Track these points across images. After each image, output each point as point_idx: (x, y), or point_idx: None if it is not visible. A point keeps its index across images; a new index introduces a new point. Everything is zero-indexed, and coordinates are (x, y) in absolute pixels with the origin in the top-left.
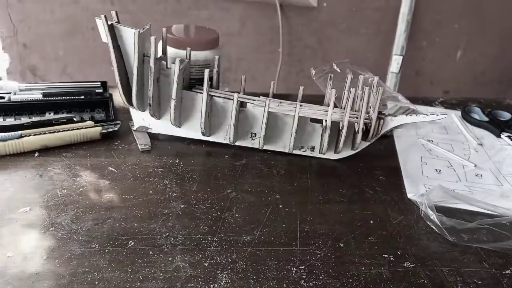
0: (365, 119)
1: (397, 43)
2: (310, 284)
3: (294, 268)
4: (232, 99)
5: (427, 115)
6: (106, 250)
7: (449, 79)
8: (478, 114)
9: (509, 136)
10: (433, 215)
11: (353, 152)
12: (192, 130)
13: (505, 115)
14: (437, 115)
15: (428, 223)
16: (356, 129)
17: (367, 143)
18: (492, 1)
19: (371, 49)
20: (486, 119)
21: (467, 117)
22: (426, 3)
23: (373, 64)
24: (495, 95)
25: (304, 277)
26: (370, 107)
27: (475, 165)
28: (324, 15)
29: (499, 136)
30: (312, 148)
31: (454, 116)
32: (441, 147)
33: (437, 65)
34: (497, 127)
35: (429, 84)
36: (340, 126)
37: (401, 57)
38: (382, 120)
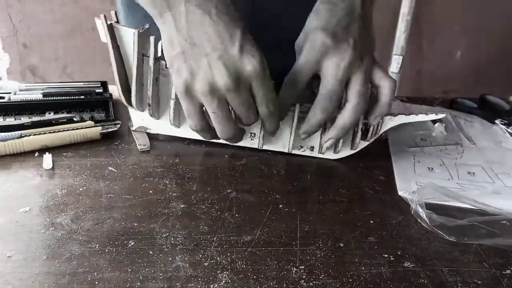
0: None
1: (397, 43)
2: (310, 284)
3: (294, 268)
4: None
5: (426, 114)
6: (106, 250)
7: (449, 79)
8: (467, 102)
9: (504, 123)
10: (422, 213)
11: (352, 151)
12: (191, 130)
13: (497, 101)
14: (436, 114)
15: (418, 220)
16: (356, 129)
17: (366, 143)
18: (492, 1)
19: None
20: (475, 105)
21: (457, 106)
22: (426, 3)
23: None
24: (495, 95)
25: (304, 277)
26: None
27: (468, 163)
28: None
29: (493, 123)
30: (312, 148)
31: (449, 115)
32: (434, 146)
33: (437, 65)
34: (490, 113)
35: (429, 84)
36: None
37: (401, 57)
38: (381, 120)
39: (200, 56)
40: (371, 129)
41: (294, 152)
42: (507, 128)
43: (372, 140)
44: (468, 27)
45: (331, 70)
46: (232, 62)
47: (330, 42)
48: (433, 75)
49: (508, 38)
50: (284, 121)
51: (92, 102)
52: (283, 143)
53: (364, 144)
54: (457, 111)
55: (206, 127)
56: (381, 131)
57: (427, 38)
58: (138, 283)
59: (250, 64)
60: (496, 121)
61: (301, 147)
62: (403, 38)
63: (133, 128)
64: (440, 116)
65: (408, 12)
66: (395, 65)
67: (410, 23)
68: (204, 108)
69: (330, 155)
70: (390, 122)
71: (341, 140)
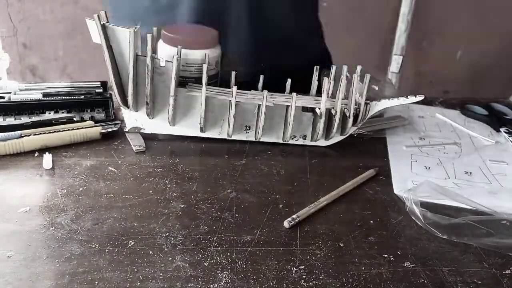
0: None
1: (397, 43)
2: (310, 284)
3: (294, 268)
4: (229, 94)
5: (406, 97)
6: (106, 250)
7: (449, 79)
8: (477, 109)
9: (507, 131)
10: (417, 210)
11: (343, 137)
12: (186, 127)
13: (505, 110)
14: (415, 96)
15: (413, 218)
16: (348, 115)
17: (355, 128)
18: (492, 1)
19: (371, 49)
20: (486, 113)
21: (467, 112)
22: (426, 3)
23: (373, 64)
24: (495, 95)
25: (304, 277)
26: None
27: (465, 162)
28: (324, 15)
29: (498, 131)
30: (304, 137)
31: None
32: (432, 145)
33: (437, 65)
34: (497, 121)
35: (429, 84)
36: (333, 112)
37: (401, 57)
38: (368, 105)
39: None
40: (360, 114)
41: (288, 142)
42: (509, 136)
43: (360, 124)
44: (468, 27)
45: None
46: None
47: None
48: (433, 75)
49: (508, 38)
50: (277, 113)
51: (92, 102)
52: (277, 134)
53: (353, 129)
54: (466, 116)
55: None
56: (369, 116)
57: (427, 38)
58: (138, 283)
59: None
60: (501, 129)
61: (294, 136)
62: (403, 38)
63: (126, 130)
64: (419, 98)
65: (408, 12)
66: (395, 65)
67: (410, 23)
68: None
69: (322, 142)
70: (376, 107)
71: (335, 126)
